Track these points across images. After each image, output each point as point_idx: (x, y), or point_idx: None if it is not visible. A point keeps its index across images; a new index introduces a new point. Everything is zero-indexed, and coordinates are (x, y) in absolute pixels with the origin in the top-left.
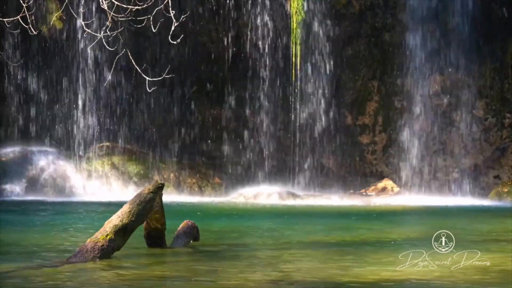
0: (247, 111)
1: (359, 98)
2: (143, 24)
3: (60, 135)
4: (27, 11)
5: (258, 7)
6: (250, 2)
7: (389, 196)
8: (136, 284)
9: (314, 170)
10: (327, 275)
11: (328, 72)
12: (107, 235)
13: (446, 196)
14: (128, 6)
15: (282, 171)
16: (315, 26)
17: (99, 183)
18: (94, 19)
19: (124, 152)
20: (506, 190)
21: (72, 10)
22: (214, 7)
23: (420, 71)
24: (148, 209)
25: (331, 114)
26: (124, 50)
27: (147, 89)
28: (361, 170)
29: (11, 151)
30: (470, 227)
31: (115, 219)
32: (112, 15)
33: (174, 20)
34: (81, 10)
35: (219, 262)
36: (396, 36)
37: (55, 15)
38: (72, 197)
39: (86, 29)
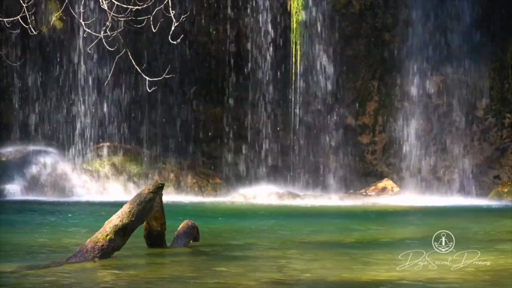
0: (247, 111)
1: (359, 98)
2: (143, 24)
3: (60, 135)
4: (27, 11)
5: (258, 7)
6: (250, 2)
7: (389, 196)
8: (136, 284)
9: (314, 170)
10: (327, 275)
11: (328, 72)
12: (107, 235)
13: (446, 196)
14: (128, 6)
15: (282, 171)
16: (315, 26)
17: (99, 183)
18: (94, 19)
19: (124, 152)
20: (506, 190)
21: (72, 10)
22: (214, 7)
23: (420, 71)
24: (148, 209)
25: (331, 114)
26: (124, 50)
27: (147, 89)
28: (361, 170)
29: (11, 151)
30: (470, 227)
31: (115, 219)
32: (112, 15)
33: (174, 20)
34: (81, 10)
35: (219, 262)
36: (396, 36)
37: (55, 15)
38: (72, 197)
39: (86, 29)
